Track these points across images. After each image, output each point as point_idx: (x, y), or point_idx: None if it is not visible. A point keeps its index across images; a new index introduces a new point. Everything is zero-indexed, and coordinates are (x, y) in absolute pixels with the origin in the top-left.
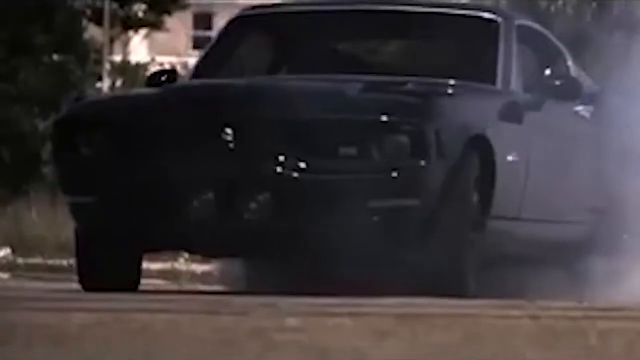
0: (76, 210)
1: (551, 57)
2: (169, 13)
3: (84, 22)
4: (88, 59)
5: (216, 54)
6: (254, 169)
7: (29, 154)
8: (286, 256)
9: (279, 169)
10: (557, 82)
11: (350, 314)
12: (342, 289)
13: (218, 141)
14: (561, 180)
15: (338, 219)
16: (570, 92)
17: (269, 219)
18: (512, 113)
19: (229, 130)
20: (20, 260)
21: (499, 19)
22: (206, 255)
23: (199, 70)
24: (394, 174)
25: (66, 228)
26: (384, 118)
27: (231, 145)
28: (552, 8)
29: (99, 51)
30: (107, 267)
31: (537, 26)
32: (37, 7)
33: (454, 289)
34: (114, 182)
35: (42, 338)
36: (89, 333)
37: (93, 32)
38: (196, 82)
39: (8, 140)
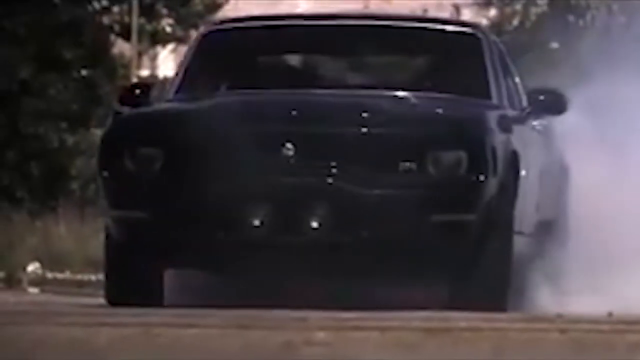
0: (124, 226)
1: (509, 72)
2: (196, 27)
3: (112, 37)
4: (116, 73)
5: (198, 68)
6: (315, 184)
7: (58, 169)
8: (346, 273)
9: (339, 184)
10: (542, 97)
11: (378, 328)
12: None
13: (278, 156)
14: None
15: (398, 234)
16: (556, 106)
17: (330, 235)
18: (514, 127)
19: (289, 146)
20: (49, 275)
21: (481, 34)
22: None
23: (184, 85)
24: (453, 189)
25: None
26: (444, 133)
27: (291, 160)
28: (581, 22)
29: (127, 66)
30: (143, 282)
31: (498, 41)
32: (66, 22)
33: (498, 304)
34: (167, 198)
35: (70, 353)
36: (116, 348)
37: (121, 47)
38: (246, 96)
39: (37, 155)
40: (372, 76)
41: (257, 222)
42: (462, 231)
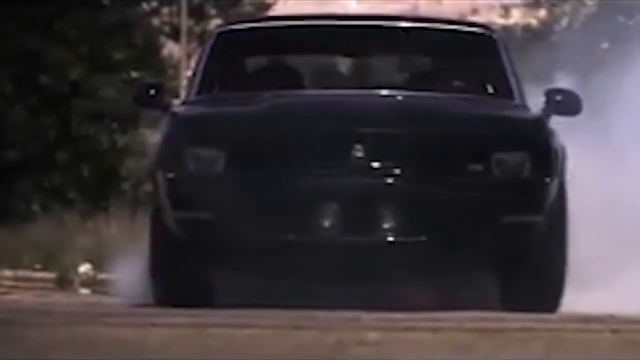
0: (189, 227)
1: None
2: None
3: (162, 38)
4: (166, 74)
5: (218, 68)
6: (384, 185)
7: (108, 170)
8: (414, 273)
9: (408, 185)
10: (559, 98)
11: (431, 329)
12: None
13: (346, 158)
14: None
15: (467, 235)
16: (572, 107)
17: (401, 236)
18: None
19: (358, 147)
20: (100, 276)
21: (494, 35)
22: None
23: (204, 85)
24: (523, 190)
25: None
26: (511, 135)
27: (360, 161)
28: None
29: (176, 67)
30: (202, 283)
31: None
32: (116, 24)
33: (555, 305)
34: (235, 200)
35: (122, 353)
36: (169, 349)
37: (170, 48)
38: (310, 97)
39: (87, 156)
40: (398, 78)
41: (327, 224)
42: (529, 232)
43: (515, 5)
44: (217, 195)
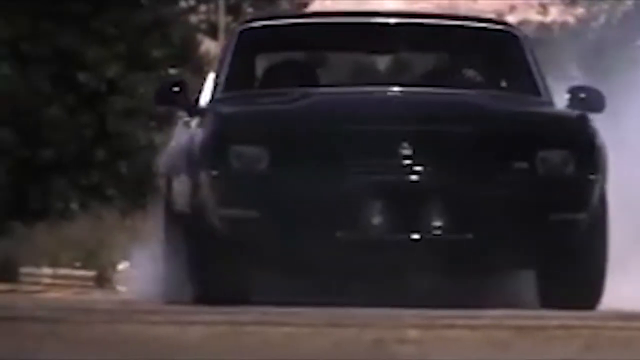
0: (236, 225)
1: None
2: None
3: (199, 36)
4: (203, 72)
5: (245, 65)
6: (431, 183)
7: (146, 168)
8: (462, 271)
9: (457, 183)
10: (583, 95)
11: (470, 326)
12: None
13: (394, 155)
14: None
15: (515, 233)
16: (596, 104)
17: (450, 233)
18: None
19: (405, 144)
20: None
21: (518, 32)
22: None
23: (231, 82)
24: (569, 188)
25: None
26: (557, 132)
27: (408, 159)
28: None
29: (213, 64)
30: (244, 281)
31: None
32: (154, 22)
33: (595, 302)
34: (282, 197)
35: (159, 351)
36: (206, 346)
37: (208, 46)
38: (351, 94)
39: (125, 154)
40: (425, 75)
41: (375, 221)
42: (574, 229)
43: (553, 3)
44: (264, 192)
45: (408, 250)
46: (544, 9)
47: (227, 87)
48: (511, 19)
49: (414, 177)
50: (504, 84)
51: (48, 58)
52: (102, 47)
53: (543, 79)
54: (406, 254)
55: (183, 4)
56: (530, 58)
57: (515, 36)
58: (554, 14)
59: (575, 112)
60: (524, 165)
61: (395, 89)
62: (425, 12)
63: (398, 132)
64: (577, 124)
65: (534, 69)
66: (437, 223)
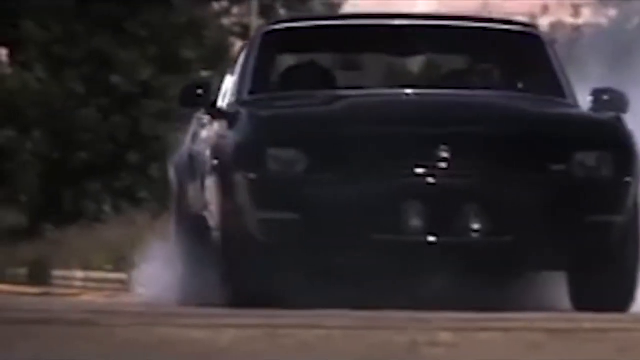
0: (275, 228)
1: None
2: None
3: (232, 37)
4: None
5: (269, 67)
6: (470, 185)
7: None
8: (501, 273)
9: (492, 186)
10: (606, 97)
11: (502, 329)
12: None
13: (432, 158)
14: None
15: (552, 235)
16: (619, 106)
17: (486, 236)
18: None
19: (444, 147)
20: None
21: (541, 34)
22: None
23: (257, 84)
24: (606, 190)
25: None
26: (594, 134)
27: (447, 161)
28: None
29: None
30: (281, 284)
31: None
32: (187, 24)
33: (628, 304)
34: (322, 200)
35: (193, 355)
36: (240, 349)
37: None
38: (385, 96)
39: (157, 156)
40: (451, 76)
41: (415, 224)
42: (610, 231)
43: (586, 4)
44: (304, 195)
45: (446, 252)
46: (575, 10)
47: (253, 89)
48: (543, 20)
49: (452, 180)
50: (529, 86)
51: (81, 61)
52: (135, 50)
53: (568, 80)
54: (444, 257)
55: (216, 6)
56: (554, 59)
57: (538, 37)
58: (587, 15)
59: (611, 115)
60: (561, 167)
61: (426, 91)
62: (449, 14)
63: (437, 134)
64: (613, 127)
65: (558, 70)
66: (475, 225)
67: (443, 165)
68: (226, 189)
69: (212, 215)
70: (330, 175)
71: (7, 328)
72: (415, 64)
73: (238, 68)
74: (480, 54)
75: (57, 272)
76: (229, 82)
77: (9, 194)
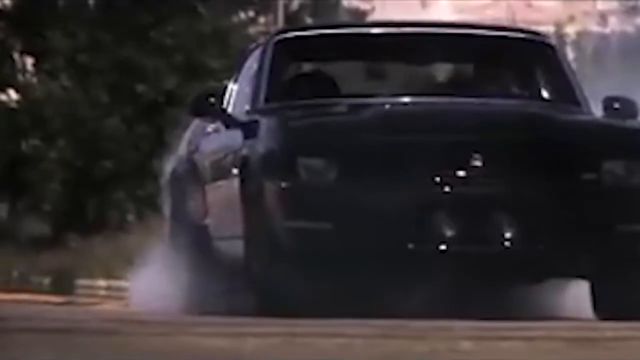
0: (305, 236)
1: None
2: None
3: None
4: None
5: (282, 75)
6: (504, 194)
7: None
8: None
9: (524, 194)
10: (617, 105)
11: (524, 338)
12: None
13: (463, 166)
14: None
15: (583, 244)
16: (630, 113)
17: (518, 245)
18: None
19: (476, 155)
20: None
21: (552, 42)
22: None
23: (273, 93)
24: (635, 199)
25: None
26: (623, 143)
27: (478, 170)
28: None
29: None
30: (310, 293)
31: None
32: (212, 33)
33: None
34: (354, 209)
35: None
36: (261, 358)
37: None
38: (416, 106)
39: None
40: (467, 85)
41: (447, 233)
42: (639, 241)
43: (613, 12)
44: (334, 204)
45: (480, 262)
46: (603, 18)
47: (268, 97)
48: (570, 29)
49: (484, 188)
50: (546, 94)
51: (106, 69)
52: (160, 58)
53: (580, 88)
54: (477, 266)
55: (242, 16)
56: (566, 68)
57: (550, 46)
58: (614, 23)
59: (638, 123)
60: (590, 176)
61: (451, 99)
62: (462, 22)
63: (469, 142)
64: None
65: (571, 78)
66: (508, 234)
67: (475, 173)
68: (253, 198)
69: (220, 224)
70: (362, 184)
71: (30, 336)
72: (439, 71)
73: (248, 76)
74: (494, 62)
75: (80, 281)
76: (237, 91)
77: (34, 202)
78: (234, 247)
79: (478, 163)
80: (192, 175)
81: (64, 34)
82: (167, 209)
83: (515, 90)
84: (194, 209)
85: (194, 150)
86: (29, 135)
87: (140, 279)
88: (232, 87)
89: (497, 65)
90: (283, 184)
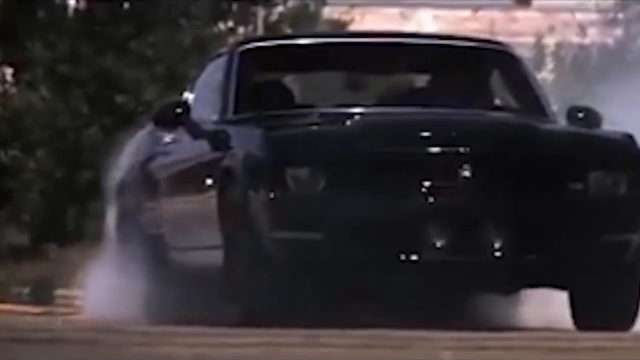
0: (294, 247)
1: None
2: None
3: None
4: None
5: (249, 86)
6: (493, 204)
7: None
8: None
9: (514, 205)
10: (581, 115)
11: (503, 347)
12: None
13: (452, 177)
14: None
15: (572, 254)
16: (593, 123)
17: (509, 255)
18: None
19: (466, 166)
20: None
21: (515, 51)
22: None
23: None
24: (622, 209)
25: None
26: (609, 153)
27: (467, 181)
28: None
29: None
30: (300, 303)
31: None
32: (192, 43)
33: (632, 323)
34: (343, 219)
35: None
36: None
37: None
38: (399, 116)
39: None
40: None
41: (437, 243)
42: (626, 250)
43: (592, 23)
44: (322, 215)
45: (469, 271)
46: (582, 29)
47: (237, 108)
48: (549, 40)
49: (474, 199)
50: (515, 105)
51: (86, 80)
52: (140, 69)
53: (546, 98)
54: (467, 276)
55: (222, 26)
56: (531, 78)
57: (515, 56)
58: (593, 34)
59: (623, 133)
60: (577, 186)
61: (428, 110)
62: (423, 32)
63: (457, 152)
64: (628, 145)
65: (537, 89)
66: (498, 244)
67: (463, 183)
68: (237, 208)
69: (181, 234)
70: (348, 194)
71: (12, 346)
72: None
73: (210, 86)
74: (456, 72)
75: (59, 292)
76: (196, 100)
77: (12, 213)
78: (198, 257)
79: (466, 173)
80: (145, 184)
81: (43, 44)
82: (111, 219)
83: (486, 100)
84: (147, 219)
85: (147, 159)
86: (8, 146)
87: (93, 286)
88: (188, 96)
89: (462, 75)
90: (271, 195)
